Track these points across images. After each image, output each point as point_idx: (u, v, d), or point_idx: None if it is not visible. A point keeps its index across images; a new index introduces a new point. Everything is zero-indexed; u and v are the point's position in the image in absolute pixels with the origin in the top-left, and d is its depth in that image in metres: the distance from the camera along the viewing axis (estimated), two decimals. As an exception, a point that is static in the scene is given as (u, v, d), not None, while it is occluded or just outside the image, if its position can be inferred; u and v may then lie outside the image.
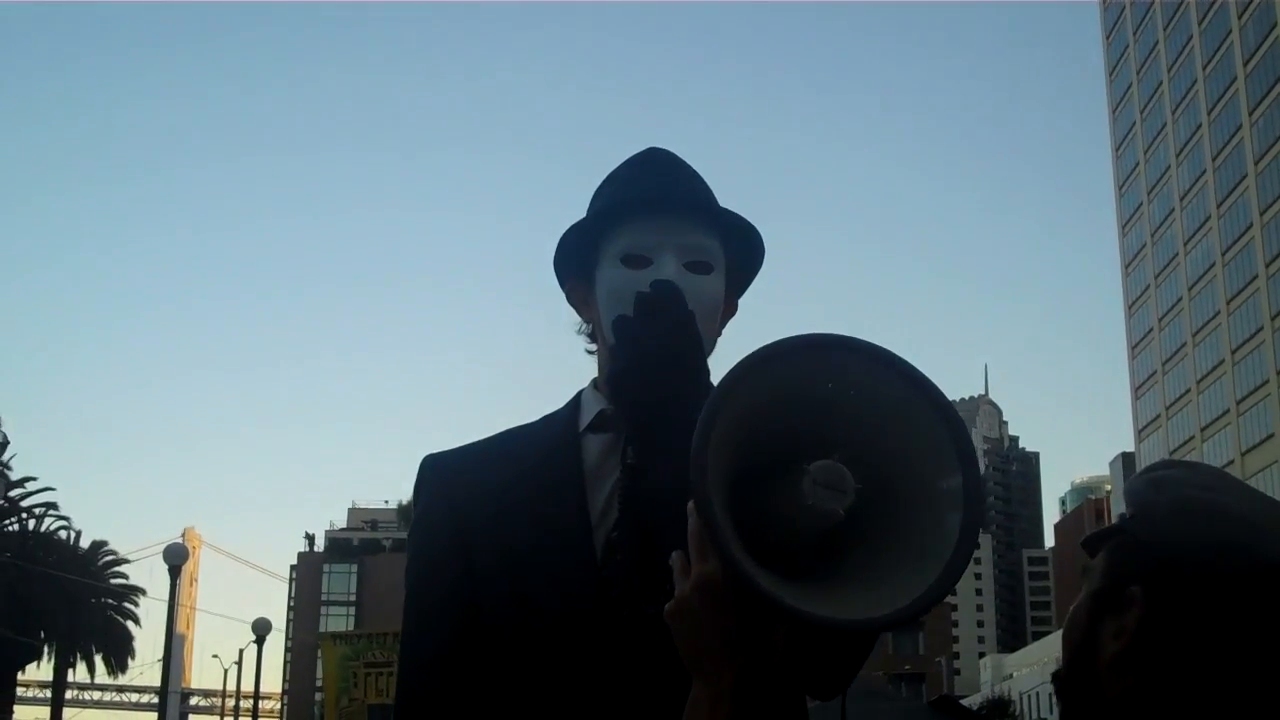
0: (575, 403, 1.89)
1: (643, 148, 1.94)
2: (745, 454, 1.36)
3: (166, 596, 25.57)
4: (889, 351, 1.36)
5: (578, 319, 1.92)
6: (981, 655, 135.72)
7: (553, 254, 1.88)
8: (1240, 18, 70.24)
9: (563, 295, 1.93)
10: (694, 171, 1.89)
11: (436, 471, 1.88)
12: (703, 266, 1.80)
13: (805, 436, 1.34)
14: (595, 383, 1.88)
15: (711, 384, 1.69)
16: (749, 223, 1.85)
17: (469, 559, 1.79)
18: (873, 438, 1.36)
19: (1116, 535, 1.40)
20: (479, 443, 1.91)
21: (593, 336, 1.89)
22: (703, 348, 1.75)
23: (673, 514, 1.42)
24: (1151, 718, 1.31)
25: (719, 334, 1.87)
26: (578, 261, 1.87)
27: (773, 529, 1.35)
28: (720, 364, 1.81)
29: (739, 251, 1.87)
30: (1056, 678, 1.44)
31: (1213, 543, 1.31)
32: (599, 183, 1.92)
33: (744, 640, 1.34)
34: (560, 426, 1.87)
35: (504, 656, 1.74)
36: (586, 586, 1.72)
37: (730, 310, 1.91)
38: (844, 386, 1.35)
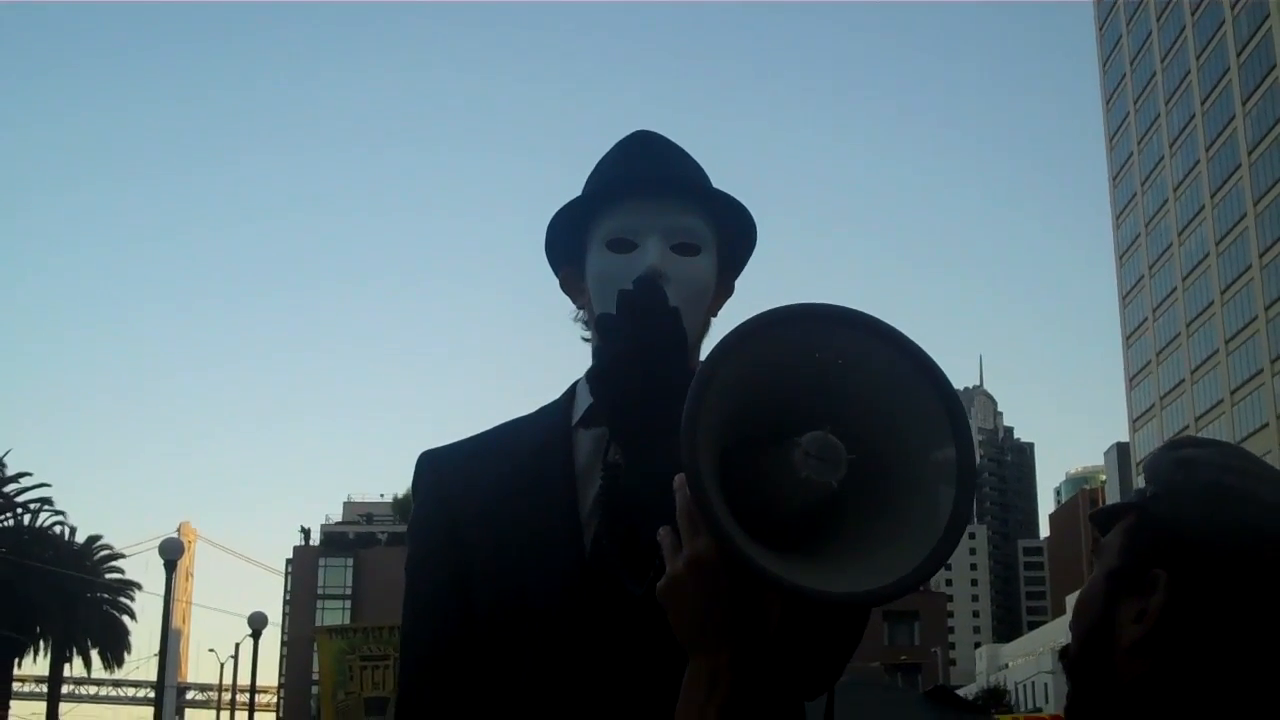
0: (570, 395, 1.89)
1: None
2: (734, 428, 1.33)
3: (162, 591, 25.64)
4: (878, 320, 1.33)
5: (572, 307, 1.90)
6: (977, 645, 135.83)
7: (543, 242, 1.88)
8: (1233, 8, 70.22)
9: (556, 283, 1.92)
10: (684, 152, 1.87)
11: (433, 468, 1.89)
12: (690, 248, 1.79)
13: (795, 409, 1.31)
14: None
15: (693, 378, 1.71)
16: (737, 200, 1.83)
17: (463, 556, 1.79)
18: (863, 408, 1.33)
19: (1133, 512, 1.38)
20: (475, 437, 1.91)
21: (588, 323, 1.87)
22: (685, 345, 1.74)
23: (654, 511, 1.41)
24: (1167, 703, 1.29)
25: (714, 315, 1.86)
26: (568, 248, 1.86)
27: (763, 502, 1.32)
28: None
29: (729, 231, 1.86)
30: (1064, 655, 1.42)
31: (1244, 530, 1.29)
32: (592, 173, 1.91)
33: (739, 615, 1.31)
34: (553, 420, 1.87)
35: (498, 653, 1.74)
36: (574, 582, 1.72)
37: (726, 291, 1.89)
38: (833, 357, 1.32)
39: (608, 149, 1.90)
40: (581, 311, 1.89)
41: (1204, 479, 1.34)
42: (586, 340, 1.88)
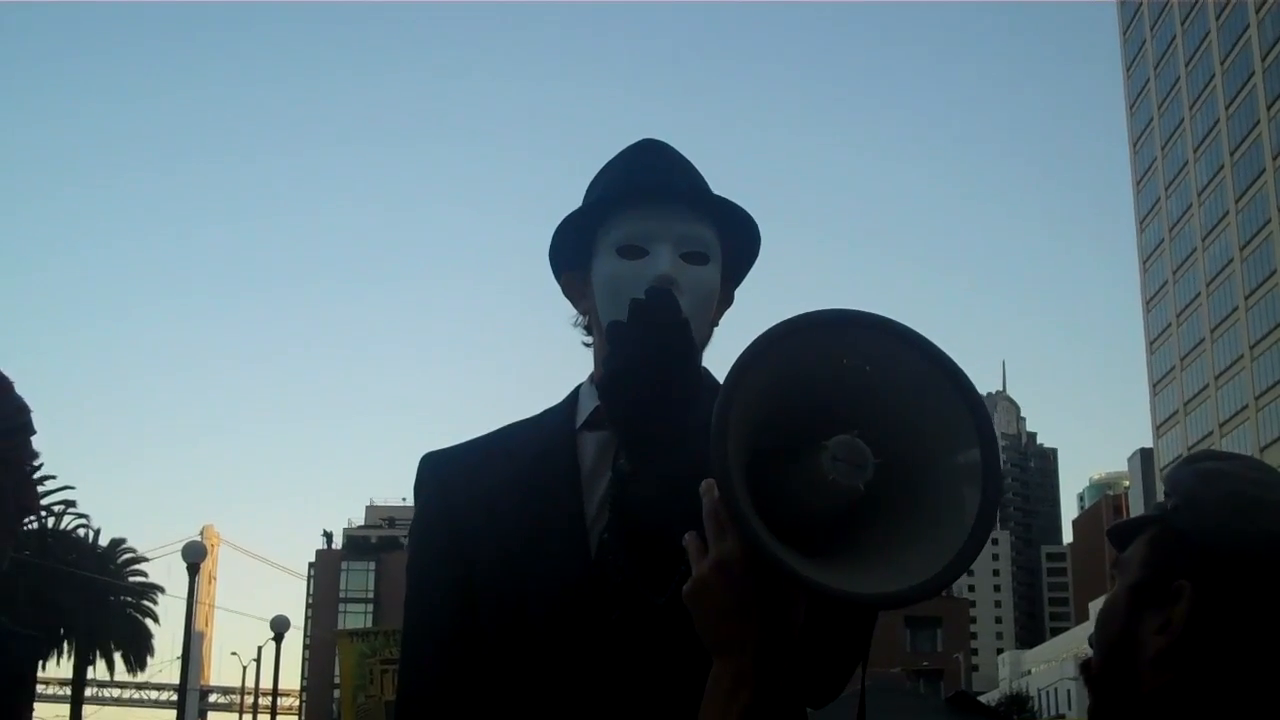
0: (573, 398, 1.89)
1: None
2: (762, 431, 1.36)
3: (185, 594, 25.69)
4: (905, 326, 1.35)
5: (573, 312, 1.90)
6: (1000, 651, 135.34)
7: (548, 246, 1.88)
8: (1258, 12, 69.88)
9: (558, 287, 1.92)
10: (688, 162, 1.88)
11: (435, 470, 1.89)
12: (699, 257, 1.79)
13: (823, 413, 1.34)
14: (593, 377, 1.87)
15: (701, 387, 1.70)
16: (745, 211, 1.84)
17: (466, 559, 1.79)
18: (890, 413, 1.36)
19: (1153, 526, 1.39)
20: (478, 440, 1.91)
21: (589, 329, 1.88)
22: (696, 355, 1.75)
23: (663, 518, 1.42)
24: (1191, 713, 1.30)
25: (715, 324, 1.86)
26: (574, 252, 1.86)
27: (790, 506, 1.34)
28: (718, 355, 1.82)
29: (735, 241, 1.86)
30: (1086, 669, 1.43)
31: (1267, 539, 1.30)
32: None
33: (764, 617, 1.33)
34: (557, 423, 1.87)
35: (502, 656, 1.74)
36: (579, 586, 1.72)
37: (726, 301, 1.90)
38: (861, 362, 1.35)
39: (611, 156, 1.91)
40: (583, 317, 1.89)
41: (1225, 490, 1.34)
42: (587, 345, 1.88)
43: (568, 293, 1.91)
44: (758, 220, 1.87)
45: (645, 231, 1.79)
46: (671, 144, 1.91)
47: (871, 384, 1.36)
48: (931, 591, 1.30)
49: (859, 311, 1.35)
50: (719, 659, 1.35)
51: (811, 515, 1.36)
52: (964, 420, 1.35)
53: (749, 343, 1.32)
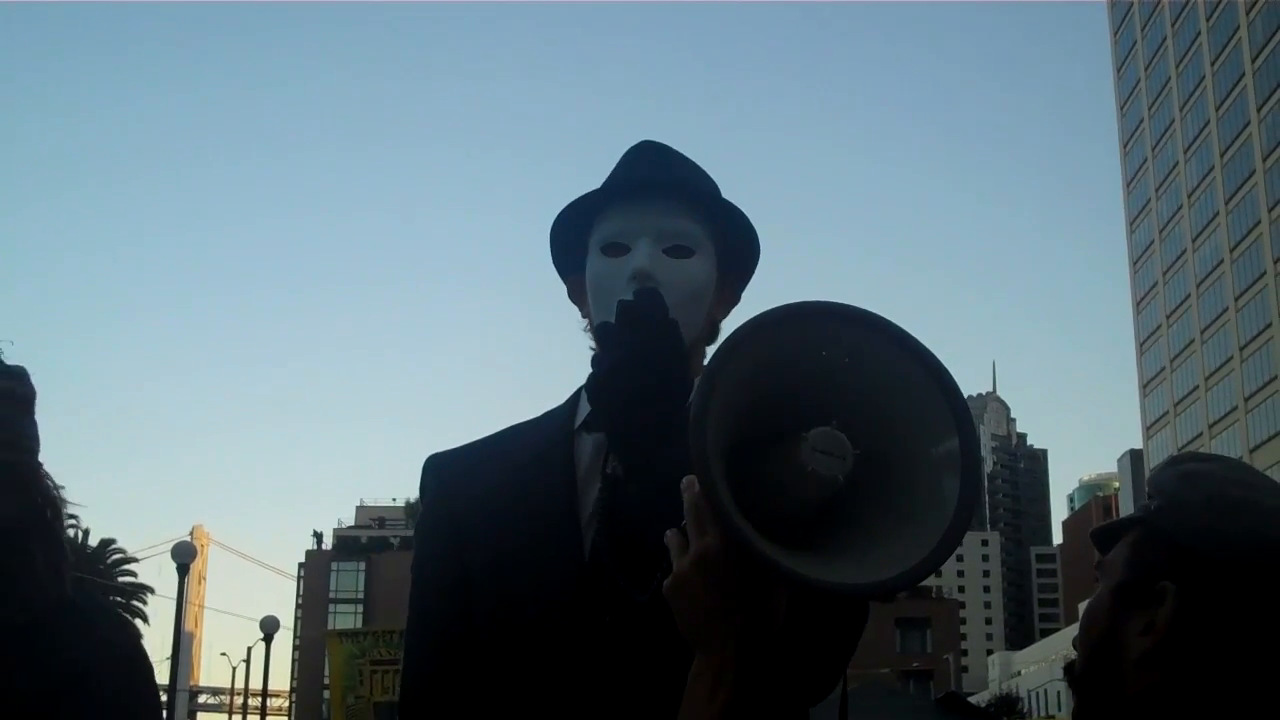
0: (574, 399, 1.88)
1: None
2: (742, 425, 1.35)
3: (175, 594, 25.63)
4: (884, 319, 1.35)
5: (579, 316, 1.90)
6: (989, 652, 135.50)
7: (548, 250, 1.89)
8: (1248, 13, 70.02)
9: (565, 288, 1.92)
10: (686, 160, 1.87)
11: (438, 472, 1.89)
12: (683, 250, 1.78)
13: (801, 405, 1.33)
14: None
15: (691, 386, 1.67)
16: (730, 204, 1.83)
17: (466, 560, 1.79)
18: (868, 404, 1.35)
19: (1136, 528, 1.39)
20: (480, 441, 1.92)
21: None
22: (684, 355, 1.73)
23: (653, 520, 1.43)
24: (1175, 714, 1.31)
25: (719, 320, 1.85)
26: (572, 256, 1.86)
27: (771, 499, 1.34)
28: None
29: (730, 236, 1.85)
30: (1070, 671, 1.43)
31: (1251, 539, 1.30)
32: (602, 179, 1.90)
33: (745, 610, 1.32)
34: (556, 424, 1.87)
35: (498, 656, 1.74)
36: (572, 588, 1.72)
37: (731, 298, 1.88)
38: (838, 353, 1.35)
39: (615, 159, 1.89)
40: (587, 320, 1.88)
41: (1208, 491, 1.35)
42: (592, 348, 1.87)
43: (573, 297, 1.91)
44: (752, 218, 1.85)
45: (626, 228, 1.79)
46: (671, 144, 1.89)
47: (848, 375, 1.35)
48: (914, 580, 1.29)
49: (838, 304, 1.34)
50: (700, 654, 1.34)
51: (792, 508, 1.35)
52: (942, 410, 1.34)
53: (728, 334, 1.32)
